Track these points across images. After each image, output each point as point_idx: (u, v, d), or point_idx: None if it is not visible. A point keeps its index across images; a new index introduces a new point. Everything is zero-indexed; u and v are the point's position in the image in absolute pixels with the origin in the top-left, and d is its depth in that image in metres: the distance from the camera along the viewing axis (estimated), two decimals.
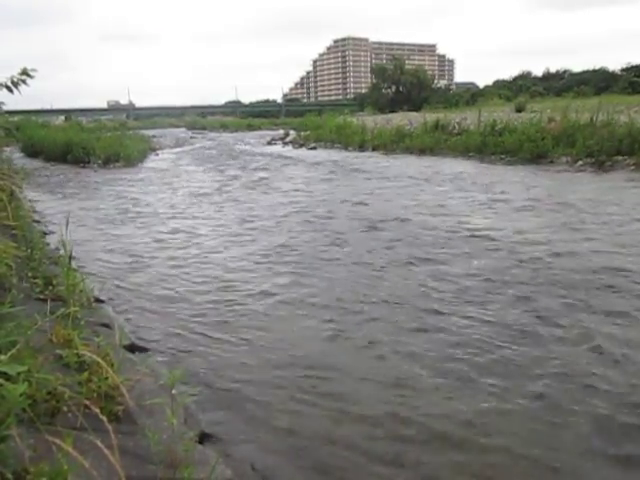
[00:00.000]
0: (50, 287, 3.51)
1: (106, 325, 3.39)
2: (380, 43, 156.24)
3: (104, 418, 1.65)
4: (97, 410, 1.69)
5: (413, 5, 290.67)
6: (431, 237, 6.81)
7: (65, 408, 1.92)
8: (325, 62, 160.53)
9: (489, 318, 4.16)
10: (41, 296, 3.45)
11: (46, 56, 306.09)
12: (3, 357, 1.70)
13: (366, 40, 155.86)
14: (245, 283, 5.30)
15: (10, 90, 3.07)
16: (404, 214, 8.26)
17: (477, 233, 6.90)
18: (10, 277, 3.28)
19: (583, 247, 6.01)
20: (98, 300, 4.15)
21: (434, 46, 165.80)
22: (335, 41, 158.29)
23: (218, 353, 3.69)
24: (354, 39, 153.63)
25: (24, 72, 3.07)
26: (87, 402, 1.87)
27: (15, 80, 3.07)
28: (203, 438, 2.56)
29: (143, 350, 3.41)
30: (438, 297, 4.68)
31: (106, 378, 2.10)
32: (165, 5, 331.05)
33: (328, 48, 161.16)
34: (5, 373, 1.60)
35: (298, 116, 63.45)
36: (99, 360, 2.03)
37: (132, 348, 3.27)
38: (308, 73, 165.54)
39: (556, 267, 5.34)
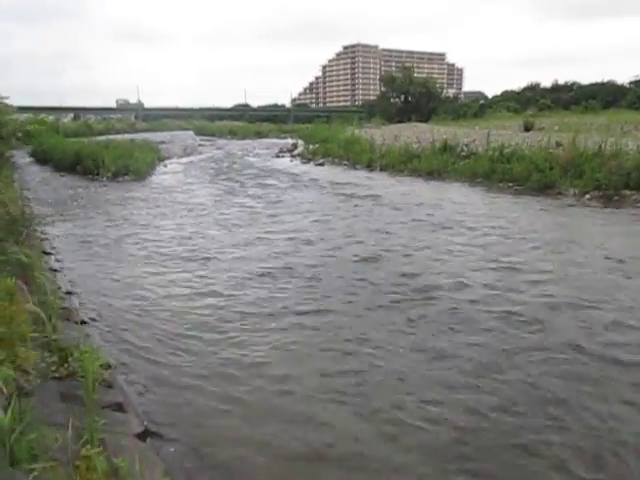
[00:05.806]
0: (65, 365, 3.59)
1: (119, 405, 3.46)
2: (390, 50, 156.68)
3: None
4: None
5: (423, 13, 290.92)
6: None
7: None
8: (334, 68, 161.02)
9: None
10: (56, 374, 3.54)
11: (58, 53, 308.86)
12: None
13: (376, 47, 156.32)
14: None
15: None
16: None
17: None
18: (28, 359, 3.36)
19: None
20: (109, 366, 4.20)
21: (443, 55, 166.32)
22: (345, 47, 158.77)
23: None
24: (364, 46, 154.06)
25: None
26: None
27: None
28: None
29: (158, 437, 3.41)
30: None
31: None
32: (178, 6, 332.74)
33: (337, 54, 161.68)
34: None
35: (306, 122, 63.85)
36: None
37: (145, 435, 3.30)
38: (317, 78, 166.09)
39: None
